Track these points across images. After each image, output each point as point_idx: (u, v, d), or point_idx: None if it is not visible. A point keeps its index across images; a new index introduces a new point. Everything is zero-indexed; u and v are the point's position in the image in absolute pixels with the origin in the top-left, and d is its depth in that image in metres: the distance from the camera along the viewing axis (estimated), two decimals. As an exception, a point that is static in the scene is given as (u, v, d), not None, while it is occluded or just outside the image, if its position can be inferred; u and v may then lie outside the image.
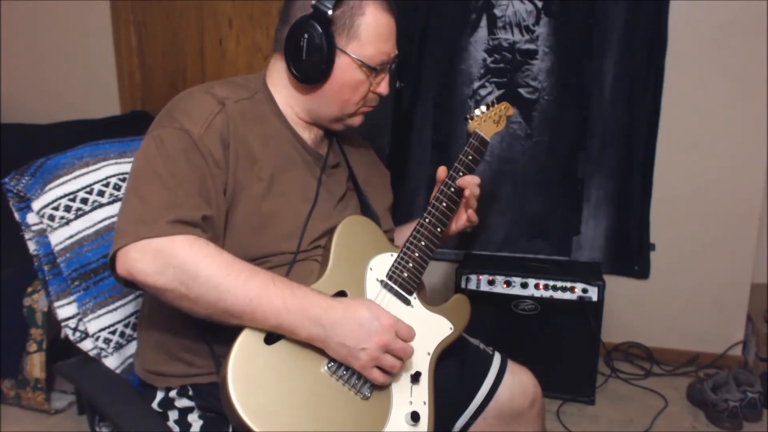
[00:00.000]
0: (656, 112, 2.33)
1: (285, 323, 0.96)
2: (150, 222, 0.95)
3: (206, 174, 1.02)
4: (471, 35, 2.41)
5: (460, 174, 1.24)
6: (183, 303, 0.96)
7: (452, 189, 1.23)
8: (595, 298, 2.08)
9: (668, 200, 2.38)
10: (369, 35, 1.10)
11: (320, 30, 1.07)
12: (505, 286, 2.15)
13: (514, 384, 1.25)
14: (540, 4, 2.34)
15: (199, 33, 2.77)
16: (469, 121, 1.32)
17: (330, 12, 1.07)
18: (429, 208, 1.21)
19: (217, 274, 0.94)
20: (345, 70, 1.11)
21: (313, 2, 1.08)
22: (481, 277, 2.16)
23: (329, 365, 0.99)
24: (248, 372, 0.92)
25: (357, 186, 1.26)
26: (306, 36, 1.08)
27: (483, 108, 1.35)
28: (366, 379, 1.01)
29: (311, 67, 1.10)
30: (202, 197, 1.01)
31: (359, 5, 1.10)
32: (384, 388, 1.03)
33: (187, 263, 0.94)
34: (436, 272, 2.61)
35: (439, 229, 1.19)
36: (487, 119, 1.33)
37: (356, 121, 1.20)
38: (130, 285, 1.00)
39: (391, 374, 1.01)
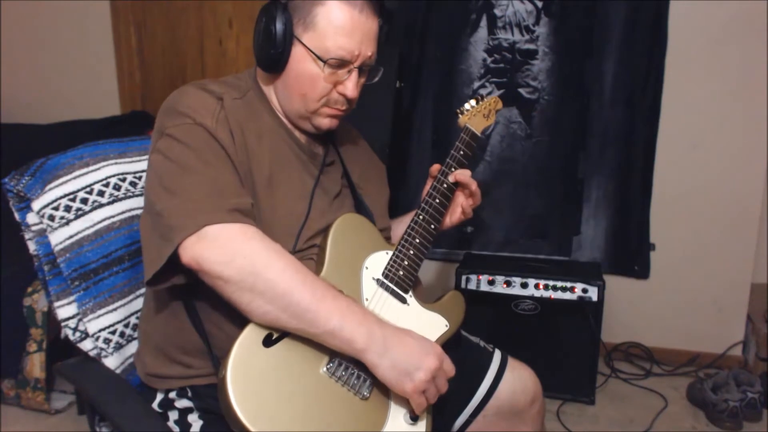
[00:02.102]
0: (656, 111, 2.33)
1: (347, 326, 0.94)
2: (209, 211, 0.94)
3: (232, 163, 1.02)
4: (471, 35, 2.42)
5: (452, 169, 1.24)
6: (243, 296, 0.94)
7: (445, 185, 1.23)
8: (595, 298, 2.08)
9: (668, 200, 2.38)
10: (326, 27, 1.05)
11: (275, 15, 1.05)
12: (505, 286, 2.15)
13: (514, 381, 1.25)
14: (540, 4, 2.34)
15: (199, 33, 2.78)
16: (459, 115, 1.32)
17: None
18: (422, 204, 1.20)
19: (287, 269, 0.94)
20: (299, 61, 1.07)
21: None
22: (481, 277, 2.16)
23: (328, 366, 0.99)
24: (247, 374, 0.92)
25: (351, 184, 1.25)
26: (264, 21, 1.07)
27: (473, 102, 1.35)
28: (365, 379, 1.01)
29: (266, 54, 1.08)
30: (240, 185, 1.01)
31: None
32: (383, 387, 1.03)
33: (258, 255, 0.93)
34: (435, 272, 2.61)
35: (432, 226, 1.19)
36: (476, 113, 1.33)
37: (324, 123, 1.13)
38: (157, 281, 0.98)
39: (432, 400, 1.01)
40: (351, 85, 1.09)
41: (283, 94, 1.13)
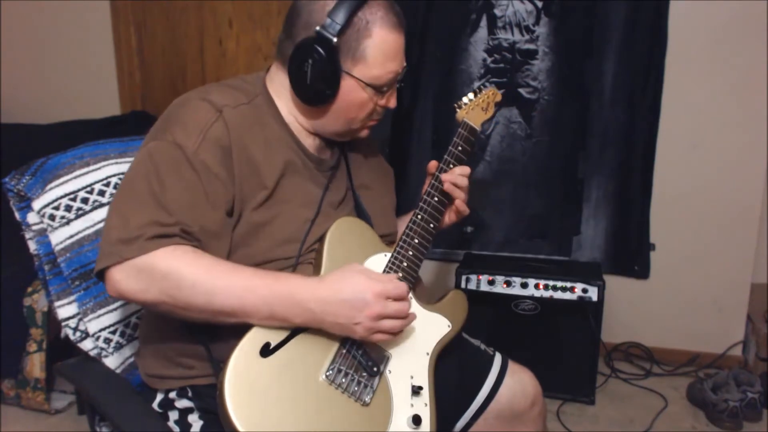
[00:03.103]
0: (656, 111, 2.33)
1: (277, 312, 0.97)
2: (130, 241, 0.95)
3: (198, 189, 1.00)
4: (471, 35, 2.41)
5: (450, 166, 1.22)
6: (176, 312, 0.98)
7: (442, 183, 1.21)
8: (595, 298, 2.08)
9: (668, 200, 2.38)
10: (376, 57, 1.07)
11: (324, 55, 1.03)
12: (505, 286, 2.15)
13: (514, 385, 1.25)
14: (540, 4, 2.34)
15: (199, 33, 2.77)
16: (457, 110, 1.29)
17: (335, 39, 1.03)
18: (421, 203, 1.19)
19: (201, 278, 0.95)
20: (350, 92, 1.09)
21: (317, 28, 1.03)
22: (481, 277, 2.16)
23: (327, 374, 0.98)
24: (245, 385, 0.92)
25: (352, 187, 1.24)
26: (310, 62, 1.04)
27: (470, 95, 1.31)
28: (365, 385, 1.00)
29: (315, 92, 1.08)
30: (187, 212, 0.99)
31: (366, 27, 1.05)
32: (384, 392, 1.02)
33: (169, 274, 0.95)
34: (435, 272, 2.61)
35: (432, 225, 1.18)
36: (475, 107, 1.30)
37: (364, 133, 1.19)
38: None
39: (394, 333, 1.02)
40: (394, 99, 1.17)
41: (326, 121, 1.13)
